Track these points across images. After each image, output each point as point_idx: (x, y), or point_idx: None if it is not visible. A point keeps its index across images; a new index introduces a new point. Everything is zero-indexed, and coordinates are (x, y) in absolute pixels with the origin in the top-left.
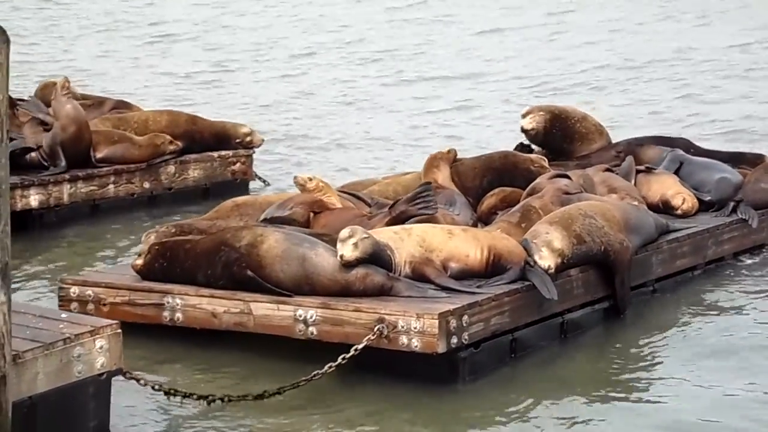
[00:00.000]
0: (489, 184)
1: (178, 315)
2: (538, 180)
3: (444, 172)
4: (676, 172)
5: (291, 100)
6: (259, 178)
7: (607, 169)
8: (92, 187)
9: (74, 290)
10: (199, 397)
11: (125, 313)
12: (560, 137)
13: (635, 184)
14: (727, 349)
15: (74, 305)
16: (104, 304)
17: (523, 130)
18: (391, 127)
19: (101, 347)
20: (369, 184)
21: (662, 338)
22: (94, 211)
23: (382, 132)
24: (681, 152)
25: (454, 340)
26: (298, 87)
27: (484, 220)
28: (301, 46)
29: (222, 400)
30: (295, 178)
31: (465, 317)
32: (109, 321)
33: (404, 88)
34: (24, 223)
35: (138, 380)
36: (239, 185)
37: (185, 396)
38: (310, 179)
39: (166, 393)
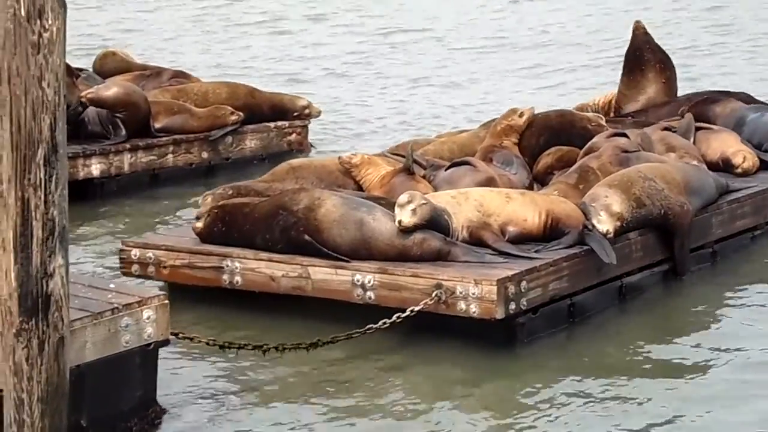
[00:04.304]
0: (545, 143)
1: (237, 278)
2: (595, 139)
3: (513, 139)
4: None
5: (351, 71)
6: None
7: (666, 128)
8: (152, 157)
9: (135, 253)
10: (254, 347)
11: (185, 276)
12: None
13: (694, 141)
14: None
15: (135, 268)
16: (164, 267)
17: None
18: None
19: (149, 317)
20: (423, 143)
21: (722, 301)
22: (154, 180)
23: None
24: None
25: (513, 305)
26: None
27: (540, 179)
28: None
29: (276, 348)
30: (339, 158)
31: (523, 283)
32: (157, 292)
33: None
34: (85, 191)
35: (191, 339)
36: (295, 156)
37: (240, 347)
38: (354, 155)
39: (221, 347)
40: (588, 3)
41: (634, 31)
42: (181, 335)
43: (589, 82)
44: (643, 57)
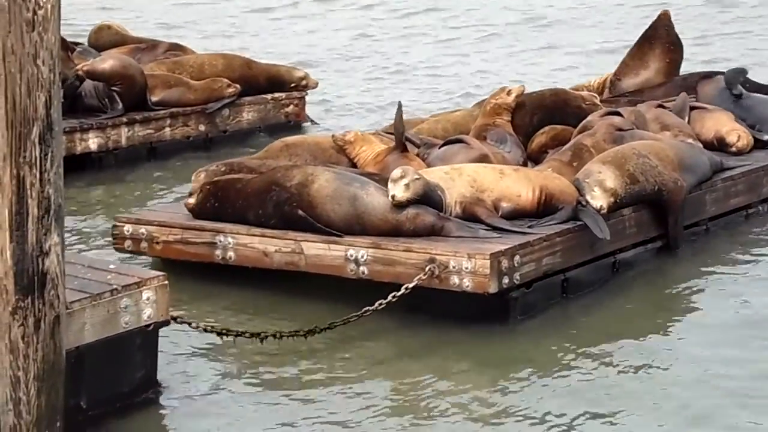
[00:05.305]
0: (539, 122)
1: (230, 254)
2: (589, 118)
3: (505, 118)
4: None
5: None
6: (312, 121)
7: (660, 106)
8: (149, 130)
9: (128, 228)
10: (252, 335)
11: (178, 251)
12: None
13: (689, 120)
14: None
15: (128, 243)
16: (157, 243)
17: None
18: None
19: (148, 298)
20: (417, 122)
21: (715, 278)
22: (151, 153)
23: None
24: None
25: (506, 280)
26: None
27: (534, 158)
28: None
29: (274, 336)
30: (333, 136)
31: (517, 257)
32: (157, 273)
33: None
34: (83, 165)
35: (189, 324)
36: (293, 127)
37: (237, 335)
38: (347, 132)
39: (219, 333)
40: None
41: (659, 15)
42: (179, 320)
43: (591, 66)
44: (657, 33)
